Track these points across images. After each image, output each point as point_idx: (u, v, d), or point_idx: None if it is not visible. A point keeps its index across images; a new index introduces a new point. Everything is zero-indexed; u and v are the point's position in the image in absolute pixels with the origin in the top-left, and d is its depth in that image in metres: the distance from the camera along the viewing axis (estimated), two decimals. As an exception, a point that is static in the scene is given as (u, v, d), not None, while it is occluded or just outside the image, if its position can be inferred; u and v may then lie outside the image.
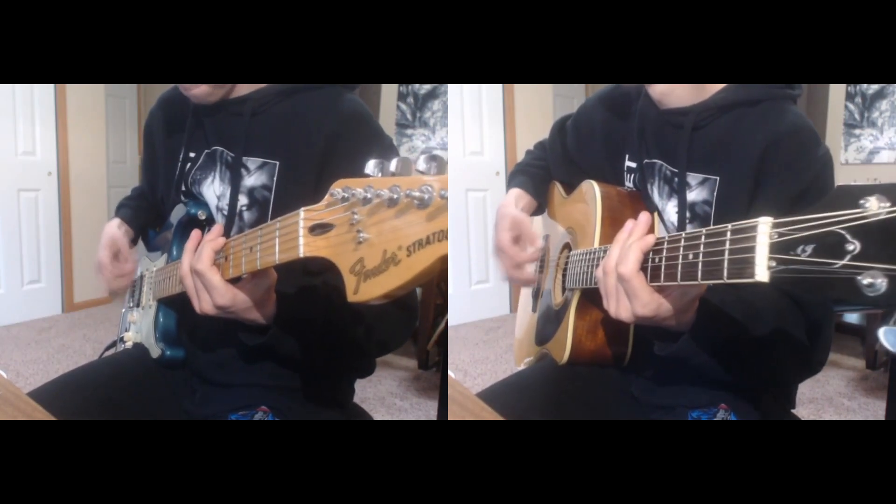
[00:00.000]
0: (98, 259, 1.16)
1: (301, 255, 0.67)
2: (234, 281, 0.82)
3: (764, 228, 0.57)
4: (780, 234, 0.55)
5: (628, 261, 0.76)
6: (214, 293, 0.80)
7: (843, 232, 0.50)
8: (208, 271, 0.80)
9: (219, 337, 1.01)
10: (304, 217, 0.67)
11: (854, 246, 0.50)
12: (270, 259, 0.72)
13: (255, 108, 0.99)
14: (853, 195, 0.50)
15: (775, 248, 0.56)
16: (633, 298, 0.76)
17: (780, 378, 0.99)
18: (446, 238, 0.53)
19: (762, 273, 0.57)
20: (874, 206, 0.49)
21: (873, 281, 0.48)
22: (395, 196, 0.56)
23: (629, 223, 0.79)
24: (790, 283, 0.55)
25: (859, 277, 0.49)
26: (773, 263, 0.56)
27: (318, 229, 0.65)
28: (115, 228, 1.18)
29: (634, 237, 0.77)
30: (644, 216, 0.79)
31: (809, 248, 0.53)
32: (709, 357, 0.86)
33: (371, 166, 0.61)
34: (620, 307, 0.78)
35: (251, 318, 0.84)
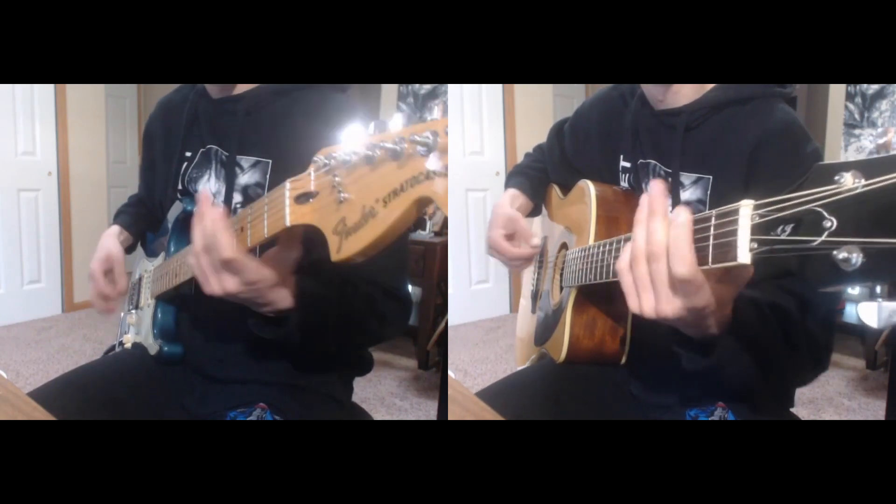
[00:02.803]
0: (90, 268, 1.14)
1: (287, 224, 0.68)
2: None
3: (745, 212, 0.57)
4: (761, 216, 0.56)
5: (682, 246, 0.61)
6: (243, 270, 0.73)
7: (820, 210, 0.51)
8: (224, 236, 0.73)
9: (219, 329, 1.01)
10: (290, 188, 0.68)
11: (831, 222, 0.50)
12: (260, 234, 0.73)
13: (248, 108, 1.00)
14: (830, 172, 0.51)
15: (757, 230, 0.56)
16: (691, 292, 0.62)
17: (789, 382, 0.99)
18: (424, 181, 0.53)
19: (744, 255, 0.57)
20: (849, 182, 0.49)
21: (848, 255, 0.49)
22: (372, 153, 0.58)
23: (644, 197, 0.65)
24: (771, 263, 0.55)
25: (835, 252, 0.49)
26: (755, 245, 0.56)
27: (303, 198, 0.67)
28: (113, 239, 1.17)
29: (662, 213, 0.63)
30: (655, 185, 0.65)
31: (789, 228, 0.53)
32: (739, 367, 0.76)
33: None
34: (662, 302, 0.64)
35: (270, 298, 0.78)
